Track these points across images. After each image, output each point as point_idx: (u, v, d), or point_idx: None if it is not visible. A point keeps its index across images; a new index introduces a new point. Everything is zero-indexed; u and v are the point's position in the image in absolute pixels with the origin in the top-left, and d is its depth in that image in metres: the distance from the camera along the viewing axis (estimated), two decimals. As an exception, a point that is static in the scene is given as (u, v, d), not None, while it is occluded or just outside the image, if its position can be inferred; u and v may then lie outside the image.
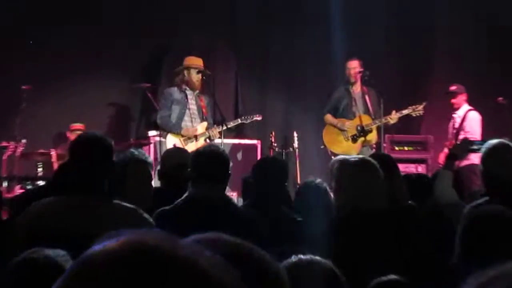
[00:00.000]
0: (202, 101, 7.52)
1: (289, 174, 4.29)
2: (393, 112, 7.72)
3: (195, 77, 7.46)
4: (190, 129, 7.36)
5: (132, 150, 3.58)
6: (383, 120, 7.62)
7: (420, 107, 7.86)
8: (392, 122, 7.67)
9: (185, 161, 3.96)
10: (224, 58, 9.42)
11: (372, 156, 3.81)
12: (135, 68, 9.15)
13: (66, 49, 8.70)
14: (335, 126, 7.89)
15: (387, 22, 9.47)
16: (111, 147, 3.03)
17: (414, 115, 7.92)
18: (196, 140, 7.28)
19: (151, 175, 3.53)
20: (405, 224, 3.34)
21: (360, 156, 3.95)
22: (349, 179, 3.29)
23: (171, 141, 7.35)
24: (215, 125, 7.56)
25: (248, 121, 7.80)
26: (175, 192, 3.71)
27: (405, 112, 7.80)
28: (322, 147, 8.03)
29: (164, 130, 7.45)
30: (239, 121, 7.71)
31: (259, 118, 7.87)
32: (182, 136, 7.33)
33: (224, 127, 7.34)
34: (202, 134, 7.36)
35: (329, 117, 8.04)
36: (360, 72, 7.85)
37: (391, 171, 3.60)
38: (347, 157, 3.57)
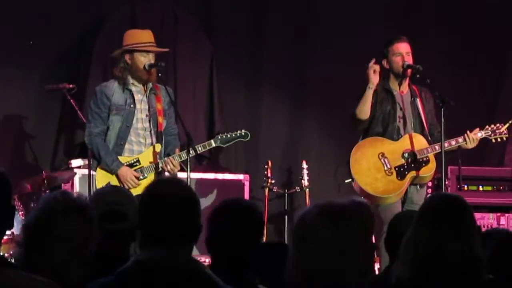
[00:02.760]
0: (160, 101, 6.45)
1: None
2: (477, 130, 6.77)
3: (144, 60, 6.35)
4: (124, 169, 6.30)
5: (62, 192, 3.05)
6: (459, 142, 6.65)
7: (504, 128, 6.93)
8: (471, 145, 6.75)
9: (123, 208, 3.58)
10: (190, 37, 8.45)
11: (431, 200, 3.49)
12: (48, 61, 8.28)
13: None
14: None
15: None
16: (8, 186, 2.58)
17: (493, 140, 6.94)
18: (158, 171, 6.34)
19: (91, 235, 2.92)
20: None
21: (351, 198, 2.84)
22: (301, 243, 2.68)
23: (103, 177, 6.33)
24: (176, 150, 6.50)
25: (228, 142, 6.68)
26: (110, 257, 3.32)
27: (480, 134, 6.87)
28: (347, 181, 6.83)
29: (94, 157, 6.39)
30: (213, 143, 6.60)
31: (245, 138, 6.76)
32: (118, 177, 6.28)
33: (192, 153, 6.28)
34: (149, 169, 6.34)
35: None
36: (409, 65, 6.61)
37: (466, 224, 3.22)
38: (329, 203, 2.79)
